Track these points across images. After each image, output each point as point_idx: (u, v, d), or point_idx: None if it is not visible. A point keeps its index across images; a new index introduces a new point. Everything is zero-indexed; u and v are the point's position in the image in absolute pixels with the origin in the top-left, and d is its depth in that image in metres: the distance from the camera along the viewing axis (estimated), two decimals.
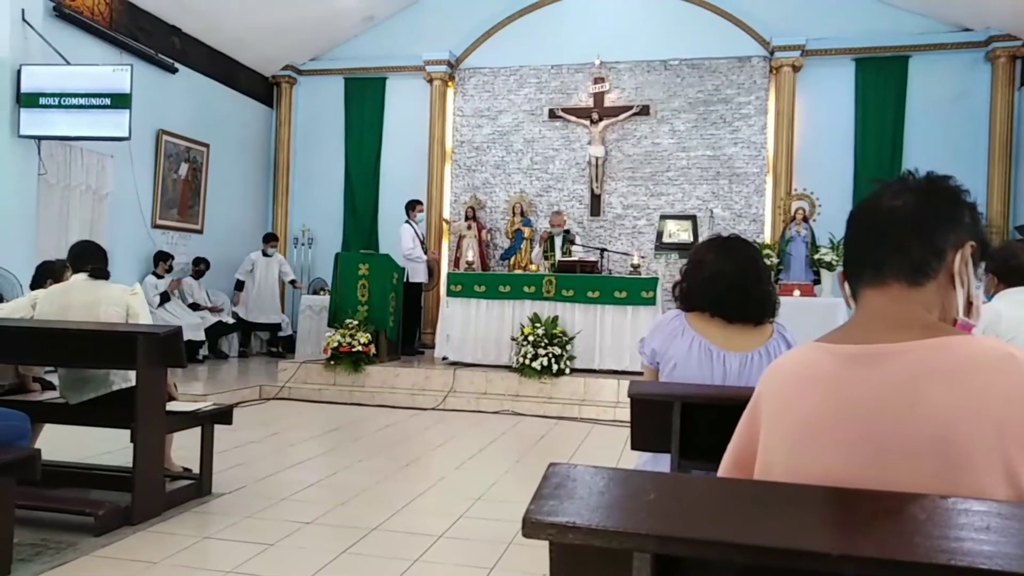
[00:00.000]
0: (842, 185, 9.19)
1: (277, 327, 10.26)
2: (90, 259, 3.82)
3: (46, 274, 4.17)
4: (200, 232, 9.95)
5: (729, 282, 2.04)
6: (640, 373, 2.29)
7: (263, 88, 11.16)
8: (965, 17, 9.08)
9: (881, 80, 9.25)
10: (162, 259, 8.81)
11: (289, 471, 4.53)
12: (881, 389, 0.92)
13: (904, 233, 1.01)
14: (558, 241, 8.83)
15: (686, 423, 1.76)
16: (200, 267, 9.52)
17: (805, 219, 8.10)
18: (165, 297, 8.82)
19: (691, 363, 2.04)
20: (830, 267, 7.71)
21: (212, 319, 9.29)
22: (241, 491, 3.97)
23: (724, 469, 1.11)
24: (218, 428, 3.99)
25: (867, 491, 0.80)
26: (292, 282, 10.29)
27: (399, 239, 8.94)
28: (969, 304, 1.01)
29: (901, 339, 0.94)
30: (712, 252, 2.13)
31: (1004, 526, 0.69)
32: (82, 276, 3.78)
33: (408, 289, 8.62)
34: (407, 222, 8.96)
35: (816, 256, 7.79)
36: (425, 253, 9.09)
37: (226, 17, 9.44)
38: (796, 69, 9.49)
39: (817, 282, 7.85)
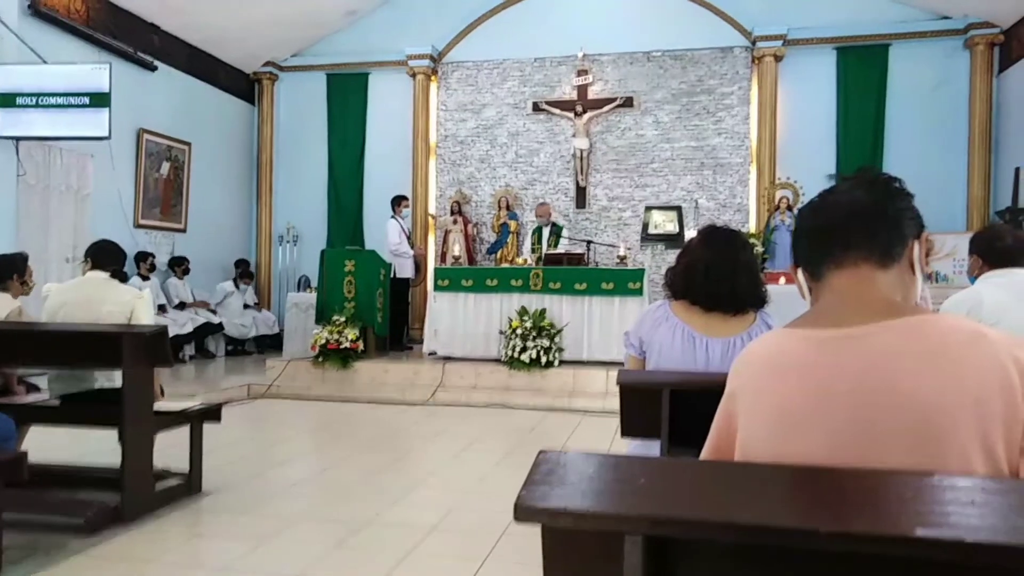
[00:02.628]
0: (825, 173, 9.25)
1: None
2: (112, 260, 3.88)
3: (9, 268, 3.96)
4: (184, 231, 9.87)
5: (706, 271, 2.10)
6: (622, 365, 2.32)
7: (244, 85, 11.07)
8: (944, 5, 9.16)
9: (862, 69, 9.31)
10: (142, 259, 8.73)
11: (279, 468, 4.52)
12: (858, 372, 0.93)
13: (873, 218, 1.05)
14: (545, 232, 8.85)
15: (675, 409, 1.78)
16: (183, 266, 9.44)
17: (789, 207, 8.15)
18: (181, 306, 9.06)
19: (675, 349, 2.09)
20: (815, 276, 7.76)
21: (201, 318, 9.21)
22: (231, 489, 3.96)
23: (704, 459, 1.12)
24: (207, 427, 3.98)
25: (854, 469, 0.81)
26: (256, 305, 10.45)
27: (385, 235, 8.93)
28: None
29: (873, 320, 0.96)
30: (697, 242, 2.20)
31: (988, 500, 0.70)
32: (102, 275, 3.82)
33: (395, 285, 8.62)
34: (393, 217, 8.95)
35: None
36: (412, 248, 9.09)
37: (205, 14, 9.35)
38: (778, 59, 9.54)
39: None
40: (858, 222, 1.05)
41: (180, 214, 9.85)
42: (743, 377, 1.06)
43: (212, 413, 3.91)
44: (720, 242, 2.17)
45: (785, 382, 0.98)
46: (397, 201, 9.02)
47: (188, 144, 9.85)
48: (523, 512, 0.73)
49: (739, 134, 9.71)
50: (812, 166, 9.17)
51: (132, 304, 3.74)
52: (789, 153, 9.44)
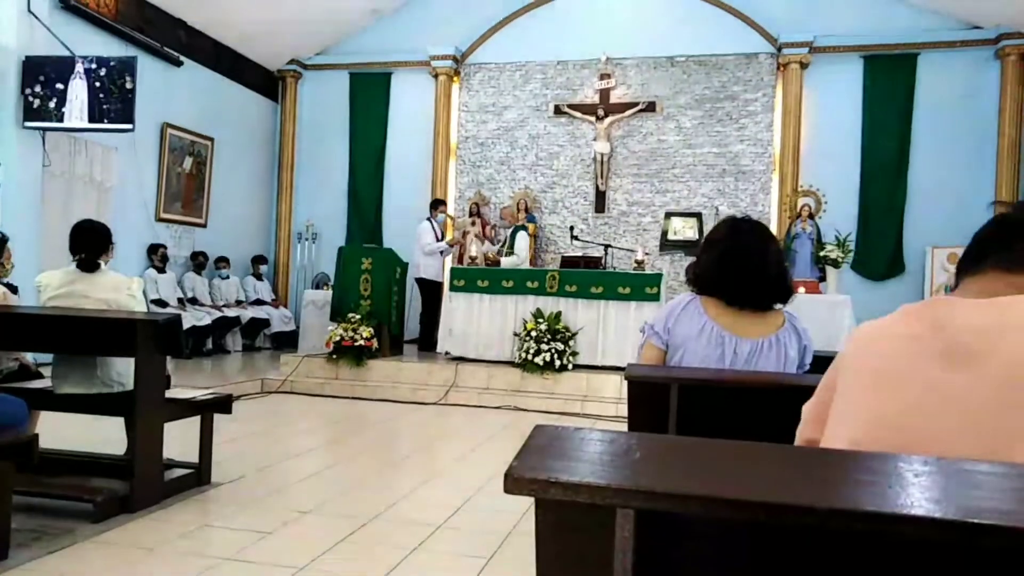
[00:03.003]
0: (849, 182, 9.15)
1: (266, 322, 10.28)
2: (86, 246, 3.61)
3: None
4: (204, 226, 9.96)
5: (737, 262, 2.00)
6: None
7: (268, 82, 11.16)
8: (975, 15, 9.02)
9: (890, 78, 9.19)
10: (153, 251, 8.81)
11: (289, 461, 4.51)
12: (1001, 322, 0.96)
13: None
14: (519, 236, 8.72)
15: (684, 406, 1.74)
16: (199, 260, 9.52)
17: (811, 216, 8.05)
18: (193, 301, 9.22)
19: (701, 346, 2.02)
20: (836, 264, 7.66)
21: (208, 317, 9.21)
22: (241, 480, 3.96)
23: (804, 423, 1.18)
24: (219, 419, 3.98)
25: (857, 452, 0.77)
26: (273, 301, 10.71)
27: (418, 236, 8.77)
28: None
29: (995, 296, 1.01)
30: (724, 233, 2.10)
31: (995, 483, 0.66)
32: (73, 267, 3.61)
33: (425, 286, 8.57)
34: (428, 219, 8.86)
35: (822, 253, 7.74)
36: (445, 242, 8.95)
37: (232, 11, 9.45)
38: (804, 66, 9.44)
39: (823, 279, 7.80)
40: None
41: (201, 209, 9.94)
42: (851, 345, 1.09)
43: (222, 404, 3.91)
44: (748, 233, 2.08)
45: (888, 339, 1.02)
46: (435, 205, 9.02)
47: (211, 140, 9.94)
48: (513, 482, 0.70)
49: (762, 141, 9.61)
50: (836, 174, 9.06)
51: (117, 302, 3.59)
52: (813, 161, 9.33)
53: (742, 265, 2.00)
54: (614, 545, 0.67)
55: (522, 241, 8.58)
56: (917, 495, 0.63)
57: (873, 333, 1.06)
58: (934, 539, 0.59)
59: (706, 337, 2.01)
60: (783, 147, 9.47)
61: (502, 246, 8.95)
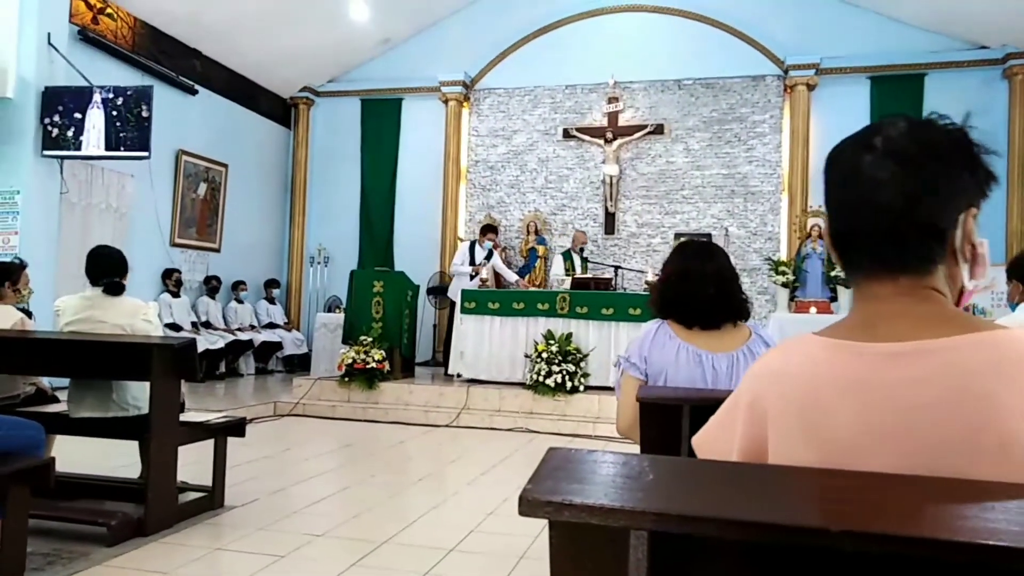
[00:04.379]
0: None
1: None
2: (103, 272, 3.67)
3: (2, 275, 3.89)
4: (218, 251, 10.06)
5: (683, 284, 2.11)
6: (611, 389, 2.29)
7: (281, 109, 11.33)
8: (981, 34, 9.05)
9: (897, 98, 9.21)
10: (167, 276, 8.90)
11: (302, 485, 4.52)
12: (931, 392, 0.80)
13: (897, 221, 0.86)
14: (577, 259, 8.84)
15: (695, 427, 1.74)
16: (213, 284, 9.61)
17: (821, 236, 8.03)
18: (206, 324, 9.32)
19: (680, 368, 2.06)
20: (846, 284, 7.62)
21: (222, 340, 9.26)
22: (253, 504, 3.97)
23: (701, 455, 1.03)
24: (232, 443, 4.01)
25: (873, 473, 0.78)
26: (286, 324, 10.78)
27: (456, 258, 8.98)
28: (975, 265, 0.91)
29: (938, 335, 0.83)
30: (671, 258, 2.22)
31: (1014, 506, 0.67)
32: (98, 290, 3.66)
33: (452, 307, 8.56)
34: (473, 242, 8.94)
35: (832, 273, 7.73)
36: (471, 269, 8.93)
37: (246, 41, 9.63)
38: (811, 88, 9.49)
39: (834, 299, 7.77)
40: (882, 229, 0.87)
41: (215, 234, 10.05)
42: (776, 387, 0.90)
43: (236, 428, 3.94)
44: (691, 255, 2.18)
45: (848, 402, 0.83)
46: (484, 231, 9.11)
47: (225, 166, 10.08)
48: (527, 505, 0.71)
49: (771, 162, 9.64)
50: None
51: (132, 327, 3.63)
52: (822, 182, 9.28)
53: (685, 286, 2.10)
54: (628, 567, 0.68)
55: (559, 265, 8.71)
56: (948, 518, 0.65)
57: (805, 385, 0.87)
58: (956, 562, 0.60)
59: (684, 359, 2.06)
60: (791, 168, 9.50)
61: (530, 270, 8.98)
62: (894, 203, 0.86)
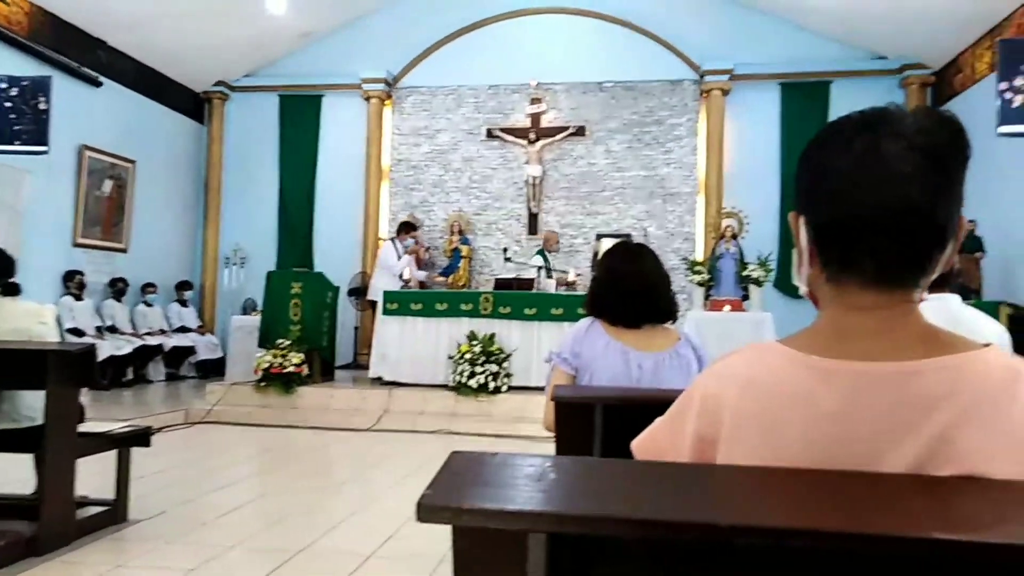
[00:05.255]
0: (770, 203, 9.50)
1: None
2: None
3: None
4: (125, 251, 9.58)
5: (611, 284, 2.18)
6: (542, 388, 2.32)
7: (194, 104, 10.89)
8: (881, 46, 9.57)
9: (805, 104, 9.63)
10: (69, 278, 8.41)
11: (213, 495, 4.35)
12: (888, 422, 0.75)
13: (918, 226, 0.77)
14: (551, 259, 8.76)
15: (607, 426, 1.76)
16: (119, 286, 9.14)
17: (734, 237, 8.32)
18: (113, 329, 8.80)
19: (608, 365, 2.11)
20: (758, 283, 7.93)
21: (129, 345, 8.81)
22: (160, 517, 3.78)
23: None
24: (139, 453, 3.81)
25: (785, 469, 0.77)
26: (199, 328, 10.32)
27: (382, 259, 8.68)
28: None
29: (911, 356, 0.76)
30: (601, 259, 2.30)
31: (920, 499, 0.69)
32: None
33: (374, 308, 8.30)
34: (392, 240, 8.75)
35: (745, 272, 8.00)
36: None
37: (156, 32, 9.19)
38: (725, 92, 9.81)
39: (746, 297, 8.05)
40: (899, 229, 0.77)
41: (121, 233, 9.56)
42: (739, 393, 0.82)
43: (140, 437, 3.75)
44: (618, 256, 2.26)
45: (803, 424, 0.77)
46: (404, 228, 8.96)
47: (133, 162, 9.61)
48: (425, 511, 0.69)
49: (688, 164, 9.92)
50: (757, 197, 9.40)
51: (28, 331, 3.40)
52: (735, 183, 9.67)
53: (611, 285, 2.19)
54: (526, 571, 0.67)
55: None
56: (844, 511, 0.66)
57: (767, 401, 0.80)
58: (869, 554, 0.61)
59: (611, 355, 2.11)
60: (707, 170, 9.79)
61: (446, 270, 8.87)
62: (917, 203, 0.76)
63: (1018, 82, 5.44)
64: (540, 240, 9.91)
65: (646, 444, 0.95)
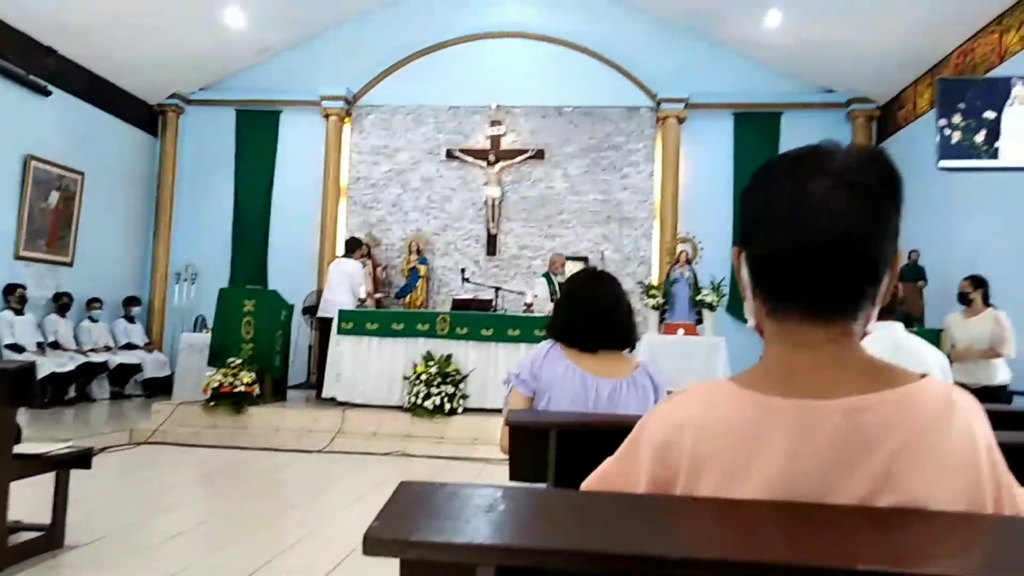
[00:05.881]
0: (723, 229, 9.69)
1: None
2: None
3: None
4: (70, 265, 9.29)
5: (574, 308, 2.21)
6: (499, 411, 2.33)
7: (147, 116, 10.68)
8: (829, 80, 9.93)
9: (757, 133, 9.91)
10: (10, 291, 8.11)
11: (156, 519, 4.20)
12: (839, 455, 0.77)
13: (846, 261, 0.79)
14: (556, 282, 8.64)
15: (562, 451, 1.76)
16: (63, 301, 8.84)
17: (688, 261, 8.45)
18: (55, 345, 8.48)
19: (565, 389, 2.12)
20: (711, 307, 8.07)
21: (72, 362, 8.50)
22: (100, 542, 3.64)
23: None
24: (78, 475, 3.66)
25: (736, 501, 0.78)
26: (147, 345, 10.04)
27: (349, 275, 8.12)
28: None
29: (858, 391, 0.78)
30: (577, 286, 2.30)
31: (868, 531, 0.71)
32: None
33: (327, 327, 7.86)
34: (349, 257, 8.42)
35: (699, 297, 8.13)
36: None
37: (109, 41, 9.00)
38: (681, 120, 10.03)
39: (700, 322, 8.18)
40: (834, 266, 0.79)
41: (68, 247, 9.27)
42: (694, 437, 0.82)
43: (80, 459, 3.61)
44: (582, 281, 2.30)
45: (758, 462, 0.78)
46: (357, 245, 8.58)
47: (81, 174, 9.35)
48: (371, 544, 0.68)
49: (644, 189, 10.08)
50: (711, 222, 9.59)
51: None
52: (690, 209, 9.86)
53: (569, 310, 2.23)
54: None
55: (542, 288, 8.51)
56: (808, 543, 0.67)
57: (725, 441, 0.81)
58: None
59: (569, 378, 2.13)
60: (663, 195, 9.97)
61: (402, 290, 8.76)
62: (844, 239, 0.78)
63: (956, 119, 5.69)
64: (498, 262, 9.97)
65: (597, 486, 0.94)
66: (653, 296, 8.29)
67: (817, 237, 0.79)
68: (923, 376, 0.82)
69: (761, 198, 0.85)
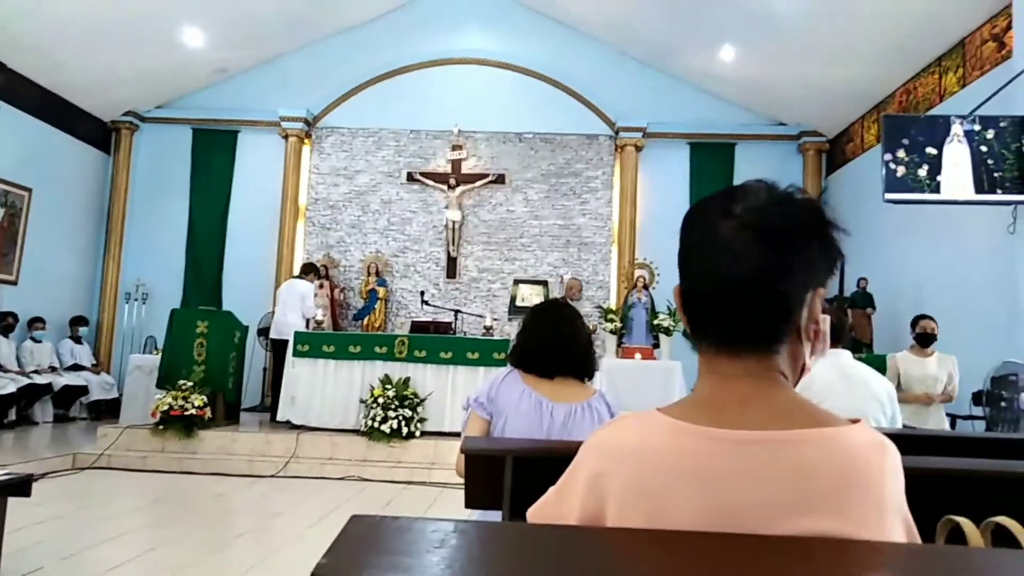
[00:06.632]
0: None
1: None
2: None
3: None
4: (15, 283, 8.99)
5: (551, 343, 2.24)
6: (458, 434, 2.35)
7: (100, 133, 10.45)
8: (781, 113, 10.24)
9: (712, 162, 10.16)
10: None
11: (99, 548, 4.06)
12: (772, 490, 0.79)
13: (747, 297, 0.83)
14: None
15: (518, 477, 1.76)
16: (7, 321, 8.53)
17: (646, 287, 8.57)
18: None
19: (521, 413, 2.16)
20: (668, 332, 8.18)
21: (13, 384, 8.19)
22: (37, 573, 3.50)
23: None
24: (16, 503, 3.52)
25: (665, 532, 0.80)
26: (94, 366, 9.74)
27: (302, 296, 8.00)
28: (816, 342, 0.89)
29: (786, 426, 0.81)
30: (538, 316, 2.35)
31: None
32: None
33: (280, 349, 7.77)
34: (302, 278, 8.30)
35: (655, 322, 8.24)
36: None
37: (62, 56, 8.82)
38: (638, 149, 10.23)
39: (656, 346, 8.28)
40: (735, 307, 0.84)
41: (12, 265, 8.98)
42: (619, 467, 0.83)
43: (18, 486, 3.47)
44: (543, 312, 2.36)
45: (686, 493, 0.80)
46: (311, 269, 8.47)
47: (28, 190, 9.09)
48: None
49: (602, 215, 10.22)
50: (667, 248, 9.58)
51: None
52: (647, 235, 10.02)
53: (530, 337, 2.28)
54: None
55: None
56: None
57: (650, 473, 0.82)
58: None
59: (525, 403, 2.18)
60: (621, 221, 10.12)
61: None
62: (748, 278, 0.82)
63: (900, 154, 5.92)
64: (458, 285, 9.96)
65: (539, 515, 0.97)
66: (611, 320, 8.38)
67: (721, 275, 0.83)
68: (855, 422, 0.85)
69: (686, 238, 0.89)
